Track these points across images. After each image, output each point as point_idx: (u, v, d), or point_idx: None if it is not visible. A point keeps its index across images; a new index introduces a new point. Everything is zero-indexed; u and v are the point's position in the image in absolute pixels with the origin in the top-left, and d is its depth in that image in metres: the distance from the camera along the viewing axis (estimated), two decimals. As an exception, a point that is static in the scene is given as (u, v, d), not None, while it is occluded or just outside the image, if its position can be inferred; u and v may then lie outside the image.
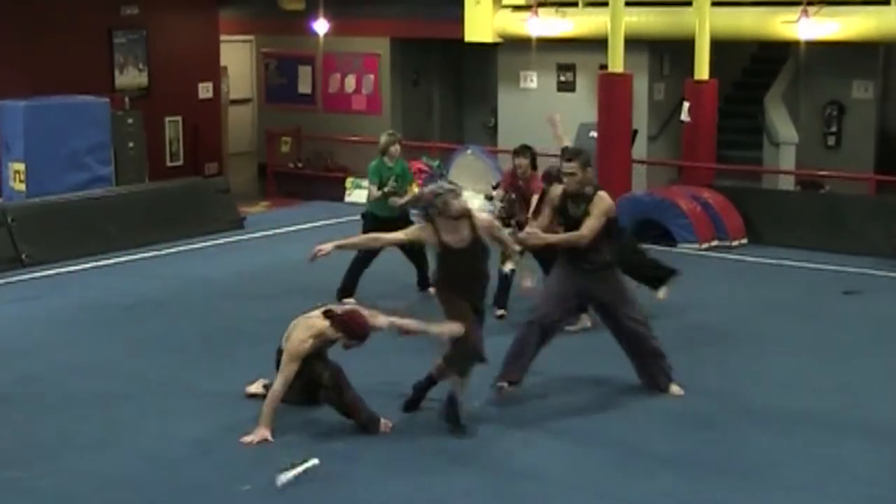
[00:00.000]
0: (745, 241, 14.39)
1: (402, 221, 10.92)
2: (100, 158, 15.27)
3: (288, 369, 7.80)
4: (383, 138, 11.60)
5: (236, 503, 6.88)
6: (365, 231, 11.38)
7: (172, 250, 13.96)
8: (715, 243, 14.21)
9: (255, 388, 8.47)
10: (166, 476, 7.27)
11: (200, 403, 8.53)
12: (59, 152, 14.65)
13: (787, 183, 16.37)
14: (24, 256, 13.13)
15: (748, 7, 15.90)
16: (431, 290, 9.18)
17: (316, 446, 7.60)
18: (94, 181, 14.96)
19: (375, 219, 11.38)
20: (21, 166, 14.57)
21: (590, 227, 8.38)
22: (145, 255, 13.68)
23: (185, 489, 7.06)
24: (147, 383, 8.98)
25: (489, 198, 15.94)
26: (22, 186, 14.56)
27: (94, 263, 13.26)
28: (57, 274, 12.82)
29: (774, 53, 17.66)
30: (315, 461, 7.01)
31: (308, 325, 7.90)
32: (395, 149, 11.49)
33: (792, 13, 15.11)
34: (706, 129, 15.68)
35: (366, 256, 11.26)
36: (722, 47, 16.24)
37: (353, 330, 7.85)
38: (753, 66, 18.77)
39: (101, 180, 15.11)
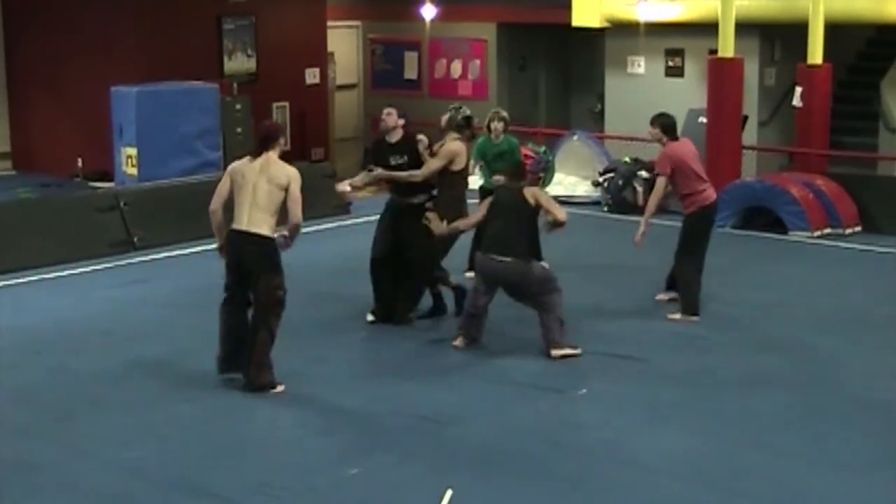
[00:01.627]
0: (858, 228, 14.06)
1: None
2: (209, 143, 15.47)
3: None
4: (488, 115, 11.87)
5: (343, 486, 6.90)
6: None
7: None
8: (827, 231, 13.91)
9: None
10: (274, 457, 7.33)
11: (308, 387, 8.59)
12: (170, 137, 14.87)
13: (902, 170, 15.98)
14: (135, 240, 13.35)
15: (864, -11, 15.54)
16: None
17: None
18: (203, 166, 15.15)
19: (486, 192, 11.61)
20: (133, 151, 14.81)
21: None
22: (253, 239, 13.81)
23: (293, 470, 7.10)
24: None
25: (596, 184, 15.91)
26: (134, 171, 14.81)
27: (204, 247, 13.37)
28: (167, 257, 13.02)
29: (892, 36, 17.19)
30: (450, 492, 6.76)
31: (276, 166, 8.32)
32: (494, 125, 11.65)
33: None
34: (819, 114, 15.34)
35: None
36: (837, 30, 15.87)
37: (265, 128, 8.62)
38: (870, 49, 18.31)
39: (211, 165, 15.30)
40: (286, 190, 8.21)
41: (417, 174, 9.78)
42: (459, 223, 9.83)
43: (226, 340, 8.50)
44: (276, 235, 8.30)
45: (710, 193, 10.27)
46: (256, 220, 8.15)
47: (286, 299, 8.37)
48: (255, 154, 8.34)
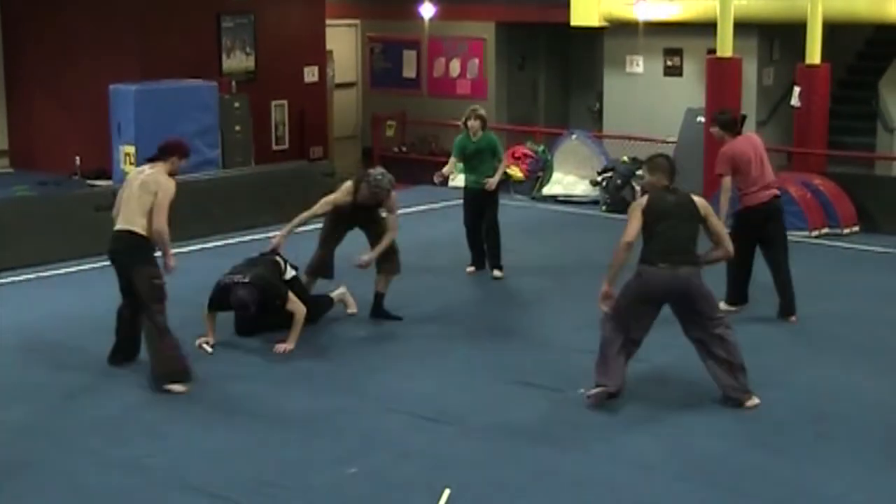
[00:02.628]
0: (856, 228, 14.08)
1: (491, 197, 11.28)
2: (208, 142, 15.47)
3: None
4: (465, 113, 11.84)
5: (342, 485, 6.91)
6: (465, 205, 11.86)
7: (278, 233, 14.02)
8: (826, 231, 13.92)
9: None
10: (272, 456, 7.33)
11: (310, 384, 8.60)
12: (168, 135, 14.84)
13: (901, 170, 16.01)
14: (133, 238, 13.33)
15: (863, -11, 15.56)
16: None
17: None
18: (202, 164, 15.14)
19: (468, 191, 11.83)
20: (132, 149, 14.81)
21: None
22: (251, 237, 13.80)
23: (291, 469, 7.11)
24: (260, 364, 9.08)
25: (594, 183, 15.92)
26: (132, 169, 14.78)
27: (201, 246, 13.42)
28: (166, 255, 12.99)
29: (891, 36, 17.22)
30: (448, 491, 6.75)
31: (156, 175, 8.81)
32: (471, 123, 11.61)
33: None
34: (817, 114, 15.36)
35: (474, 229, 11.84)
36: (836, 30, 15.88)
37: (164, 142, 8.96)
38: (868, 49, 18.33)
39: (209, 163, 15.31)
40: (155, 196, 8.58)
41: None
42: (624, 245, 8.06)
43: (118, 332, 8.98)
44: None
45: (755, 196, 9.97)
46: (128, 219, 8.67)
47: (165, 289, 8.70)
48: (150, 161, 8.91)
